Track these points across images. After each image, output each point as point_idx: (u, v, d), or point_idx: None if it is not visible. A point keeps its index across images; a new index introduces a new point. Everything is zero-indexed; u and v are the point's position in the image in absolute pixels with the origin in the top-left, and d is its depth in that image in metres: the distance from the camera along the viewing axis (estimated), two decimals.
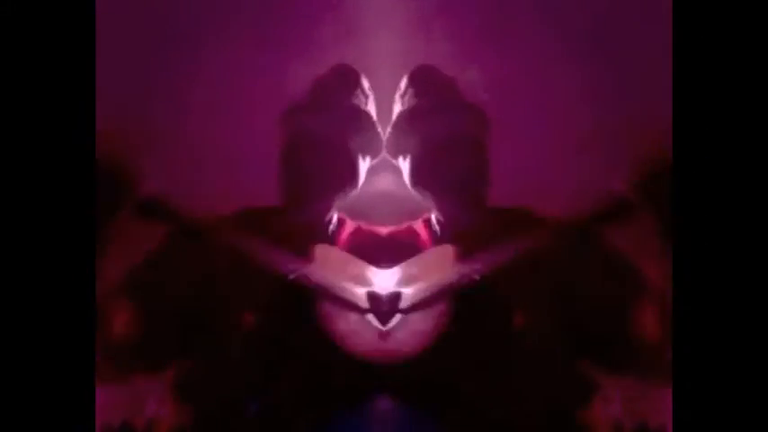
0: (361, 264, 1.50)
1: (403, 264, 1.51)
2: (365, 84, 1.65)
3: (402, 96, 1.63)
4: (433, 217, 1.59)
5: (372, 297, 1.46)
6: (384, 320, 1.43)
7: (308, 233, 1.56)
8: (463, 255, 1.48)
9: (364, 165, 1.63)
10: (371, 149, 1.60)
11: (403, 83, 1.64)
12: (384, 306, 1.45)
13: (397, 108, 1.63)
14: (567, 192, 1.82)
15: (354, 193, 1.62)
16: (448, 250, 1.48)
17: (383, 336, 1.42)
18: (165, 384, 1.43)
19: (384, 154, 1.65)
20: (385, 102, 1.89)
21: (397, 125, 1.60)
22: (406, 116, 1.59)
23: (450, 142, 1.55)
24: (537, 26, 1.91)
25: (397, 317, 1.43)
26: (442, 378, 1.42)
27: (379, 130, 1.63)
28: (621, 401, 1.42)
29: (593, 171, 1.88)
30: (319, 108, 1.60)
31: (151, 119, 1.93)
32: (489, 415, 1.42)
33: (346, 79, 1.63)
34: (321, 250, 1.49)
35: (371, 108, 1.65)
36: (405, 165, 1.61)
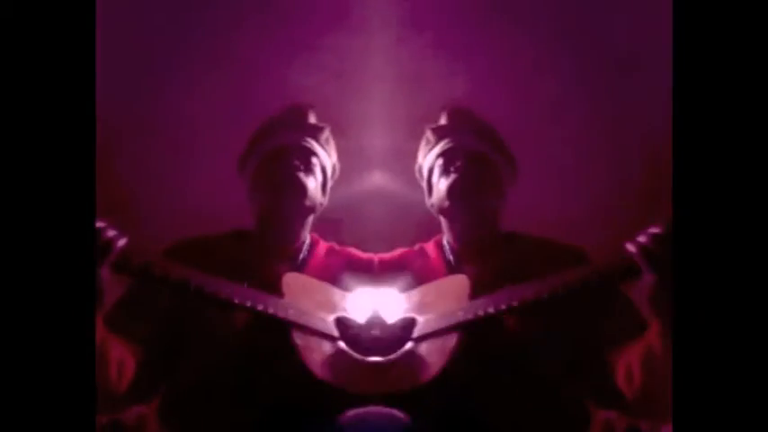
0: (329, 289, 1.43)
1: (420, 288, 1.43)
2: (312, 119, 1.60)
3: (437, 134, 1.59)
4: (445, 240, 1.56)
5: (341, 323, 1.37)
6: (364, 351, 1.32)
7: (279, 259, 1.50)
8: (477, 285, 1.40)
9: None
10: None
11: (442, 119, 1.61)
12: (364, 332, 1.35)
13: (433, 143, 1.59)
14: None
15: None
16: (464, 281, 1.41)
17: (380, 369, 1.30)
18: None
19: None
20: (381, 104, 1.91)
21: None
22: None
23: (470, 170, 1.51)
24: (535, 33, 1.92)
25: (407, 344, 1.34)
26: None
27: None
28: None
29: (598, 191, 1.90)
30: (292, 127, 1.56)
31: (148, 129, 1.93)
32: None
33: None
34: (288, 279, 1.41)
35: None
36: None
